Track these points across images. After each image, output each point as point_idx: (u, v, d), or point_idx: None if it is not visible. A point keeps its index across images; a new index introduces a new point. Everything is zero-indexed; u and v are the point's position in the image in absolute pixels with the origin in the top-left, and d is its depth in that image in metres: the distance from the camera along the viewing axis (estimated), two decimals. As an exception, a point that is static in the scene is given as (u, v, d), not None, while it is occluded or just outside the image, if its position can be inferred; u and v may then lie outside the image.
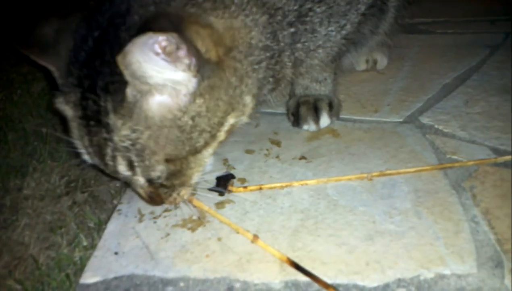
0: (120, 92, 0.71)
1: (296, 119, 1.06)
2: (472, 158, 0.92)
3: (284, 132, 1.06)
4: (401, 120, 1.07)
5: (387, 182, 0.88)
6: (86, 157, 0.80)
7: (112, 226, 0.86)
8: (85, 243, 0.87)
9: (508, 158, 0.90)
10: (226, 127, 0.80)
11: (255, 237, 0.77)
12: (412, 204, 0.82)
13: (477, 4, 1.70)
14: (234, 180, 0.92)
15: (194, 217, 0.85)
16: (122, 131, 0.73)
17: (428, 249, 0.73)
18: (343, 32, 0.94)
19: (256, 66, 0.83)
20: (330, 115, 1.06)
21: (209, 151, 0.81)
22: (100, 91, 0.73)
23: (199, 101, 0.74)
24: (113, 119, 0.72)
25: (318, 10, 0.88)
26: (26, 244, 0.90)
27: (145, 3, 0.74)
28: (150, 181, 0.80)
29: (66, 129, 0.82)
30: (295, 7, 0.86)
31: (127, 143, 0.73)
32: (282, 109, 1.13)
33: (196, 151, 0.78)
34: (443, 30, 1.53)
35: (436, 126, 1.03)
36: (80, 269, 0.81)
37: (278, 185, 0.90)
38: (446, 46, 1.41)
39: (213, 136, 0.79)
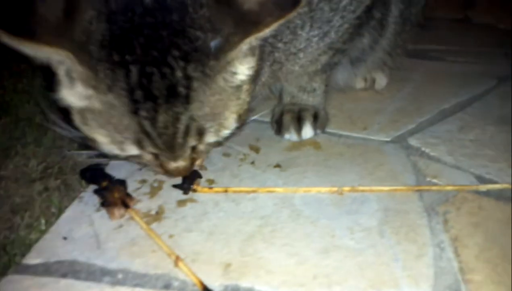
0: (208, 57, 0.67)
1: (279, 128, 1.03)
2: (453, 183, 0.86)
3: (265, 140, 1.03)
4: (388, 139, 1.03)
5: (358, 198, 0.84)
6: (126, 148, 0.74)
7: (69, 212, 0.85)
8: (43, 227, 0.85)
9: (490, 186, 0.84)
10: None
11: (177, 259, 0.71)
12: (378, 222, 0.78)
13: (494, 36, 1.65)
14: (202, 180, 0.89)
15: (153, 212, 0.82)
16: (203, 97, 0.70)
17: (383, 270, 0.69)
18: (327, 39, 0.91)
19: None
20: (314, 127, 1.02)
21: None
22: (175, 61, 0.66)
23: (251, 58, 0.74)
24: (196, 87, 0.68)
25: (300, 10, 0.85)
26: (-14, 223, 0.89)
27: None
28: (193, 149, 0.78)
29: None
30: None
31: (206, 109, 0.71)
32: (269, 118, 1.10)
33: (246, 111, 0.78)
34: (454, 58, 1.48)
35: (423, 148, 0.98)
36: (29, 251, 0.79)
37: (244, 189, 0.86)
38: (453, 74, 1.36)
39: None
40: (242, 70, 0.73)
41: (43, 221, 0.87)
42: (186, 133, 0.72)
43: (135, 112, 0.69)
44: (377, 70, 1.23)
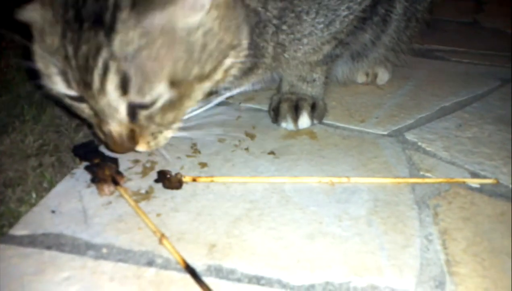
0: None
1: (276, 116, 1.02)
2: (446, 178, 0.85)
3: (262, 128, 1.02)
4: (385, 133, 1.01)
5: (349, 188, 0.83)
6: (54, 79, 0.70)
7: (60, 187, 0.85)
8: (34, 201, 0.85)
9: (476, 181, 0.84)
10: (224, 66, 0.76)
11: (162, 237, 0.70)
12: (367, 212, 0.77)
13: (502, 40, 1.63)
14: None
15: (142, 191, 0.82)
16: (129, 34, 0.64)
17: (368, 258, 0.68)
18: (331, 28, 0.91)
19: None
20: (311, 117, 1.01)
21: (207, 85, 0.75)
22: None
23: (213, 13, 0.71)
24: (124, 17, 0.64)
25: None
26: (-21, 194, 0.89)
27: None
28: (133, 115, 0.72)
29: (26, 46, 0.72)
30: None
31: (130, 49, 0.64)
32: (266, 106, 1.09)
33: (201, 77, 0.72)
34: (459, 58, 1.46)
35: (419, 143, 0.97)
36: (17, 222, 0.79)
37: (230, 179, 0.84)
38: (457, 73, 1.34)
39: (215, 68, 0.74)
40: (187, 18, 0.68)
41: (34, 195, 0.87)
42: (105, 72, 0.65)
43: (63, 34, 0.66)
44: (379, 66, 1.22)
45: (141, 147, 0.78)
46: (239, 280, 0.64)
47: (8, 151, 1.02)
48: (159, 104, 0.71)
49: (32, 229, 0.73)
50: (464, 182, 0.84)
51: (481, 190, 0.83)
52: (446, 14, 1.88)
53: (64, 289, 0.63)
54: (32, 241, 0.71)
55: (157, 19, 0.65)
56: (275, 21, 0.85)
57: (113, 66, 0.65)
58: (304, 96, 1.02)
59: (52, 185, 0.88)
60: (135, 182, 0.84)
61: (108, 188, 0.81)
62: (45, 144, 1.05)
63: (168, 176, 0.83)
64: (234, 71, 0.81)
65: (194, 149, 0.94)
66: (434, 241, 0.71)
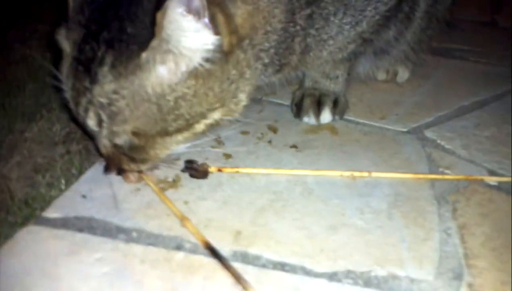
0: (125, 52, 0.70)
1: (298, 111, 1.05)
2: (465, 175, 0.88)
3: (284, 122, 1.05)
4: (405, 130, 1.04)
5: (370, 182, 0.85)
6: (66, 95, 0.78)
7: (90, 173, 0.88)
8: (63, 187, 0.88)
9: (498, 179, 0.86)
10: (208, 121, 0.78)
11: (184, 219, 0.73)
12: (388, 206, 0.79)
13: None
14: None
15: (169, 179, 0.85)
16: (105, 87, 0.71)
17: (389, 249, 0.70)
18: (358, 29, 0.93)
19: (263, 54, 0.82)
20: (333, 113, 1.04)
21: (179, 138, 0.78)
22: (102, 42, 0.72)
23: (190, 82, 0.72)
24: (104, 73, 0.71)
25: None
26: (10, 179, 0.92)
27: None
28: (114, 145, 0.78)
29: (56, 62, 0.80)
30: None
31: (104, 100, 0.72)
32: (288, 101, 1.12)
33: (165, 134, 0.76)
34: (477, 58, 1.47)
35: (438, 141, 0.99)
36: (48, 206, 0.82)
37: (255, 171, 0.87)
38: (475, 73, 1.36)
39: (189, 126, 0.76)
40: (157, 85, 0.72)
41: (63, 181, 0.90)
42: (86, 110, 0.74)
43: (68, 67, 0.75)
44: (400, 64, 1.23)
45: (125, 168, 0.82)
46: (264, 265, 0.67)
47: (36, 138, 1.06)
48: (126, 146, 0.77)
49: (64, 212, 0.76)
50: (482, 179, 0.86)
51: (499, 187, 0.85)
52: (464, 14, 1.88)
53: (97, 269, 0.66)
54: (64, 223, 0.74)
55: (129, 81, 0.71)
56: (302, 30, 0.87)
57: (91, 108, 0.74)
58: (326, 92, 1.04)
59: (80, 171, 0.91)
60: (162, 170, 0.87)
61: (133, 176, 0.84)
62: (72, 132, 1.07)
63: (195, 165, 0.86)
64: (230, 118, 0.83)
65: (218, 141, 0.96)
66: (453, 235, 0.74)
